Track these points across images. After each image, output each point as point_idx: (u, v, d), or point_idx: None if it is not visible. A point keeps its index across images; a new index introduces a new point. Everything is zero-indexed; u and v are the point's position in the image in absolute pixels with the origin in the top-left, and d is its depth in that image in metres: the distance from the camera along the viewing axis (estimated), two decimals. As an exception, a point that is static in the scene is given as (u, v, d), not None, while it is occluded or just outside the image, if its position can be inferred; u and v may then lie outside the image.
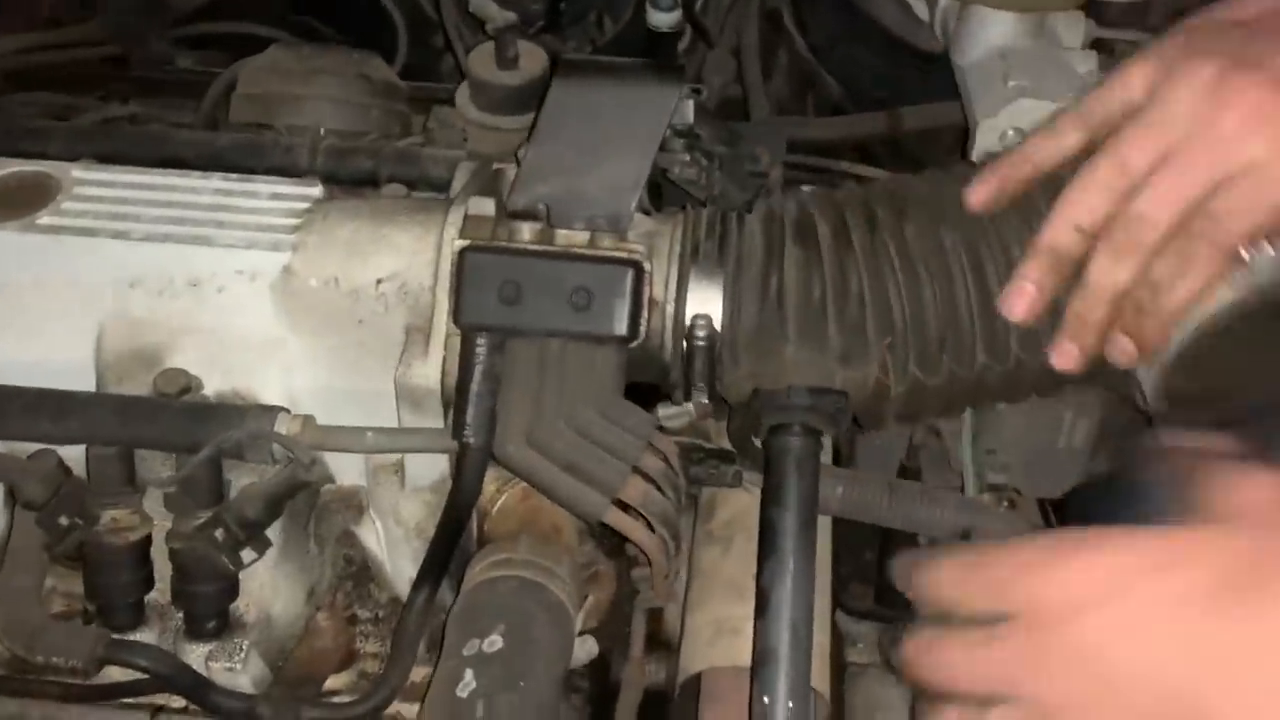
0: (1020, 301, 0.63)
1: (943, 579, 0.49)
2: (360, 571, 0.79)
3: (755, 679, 0.61)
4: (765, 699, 0.60)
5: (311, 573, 0.75)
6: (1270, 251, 0.58)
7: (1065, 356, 0.63)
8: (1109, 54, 0.93)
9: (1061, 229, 0.61)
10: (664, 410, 0.77)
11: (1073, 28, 0.92)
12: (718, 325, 0.67)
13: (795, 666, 0.60)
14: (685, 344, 0.67)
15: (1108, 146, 0.60)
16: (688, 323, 0.66)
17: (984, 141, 0.84)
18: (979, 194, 0.66)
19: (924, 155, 1.12)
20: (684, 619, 0.77)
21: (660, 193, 0.75)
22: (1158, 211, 0.58)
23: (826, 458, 0.80)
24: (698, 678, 0.72)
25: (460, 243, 0.64)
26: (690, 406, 0.76)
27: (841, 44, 1.22)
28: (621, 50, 1.26)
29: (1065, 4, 0.92)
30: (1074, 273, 0.62)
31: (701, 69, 1.24)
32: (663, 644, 0.84)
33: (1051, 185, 0.65)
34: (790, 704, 0.59)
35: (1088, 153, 0.61)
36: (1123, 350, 0.62)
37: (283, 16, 1.28)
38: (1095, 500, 0.61)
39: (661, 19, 1.15)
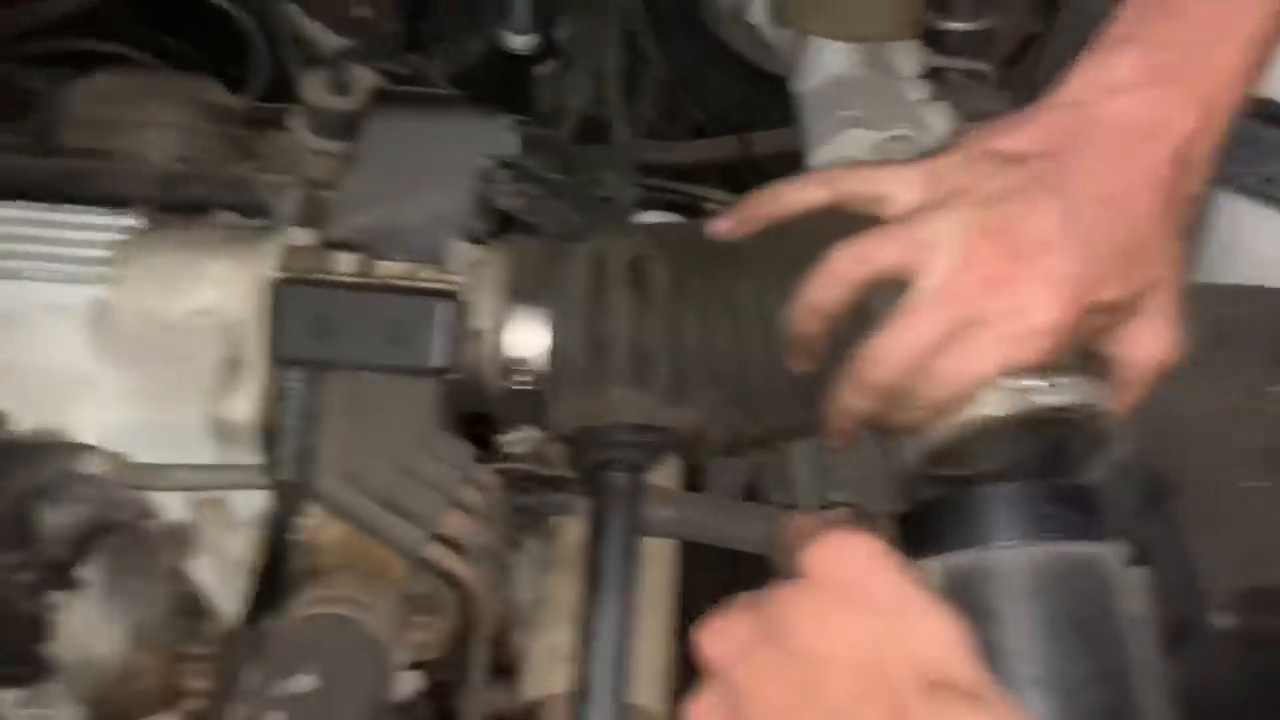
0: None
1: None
2: (191, 607, 0.77)
3: (575, 712, 0.61)
4: (584, 730, 0.60)
5: (135, 611, 0.73)
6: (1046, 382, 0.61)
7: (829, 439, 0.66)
8: (943, 84, 0.96)
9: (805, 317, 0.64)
10: (509, 435, 0.77)
11: (908, 57, 0.94)
12: (543, 360, 0.67)
13: (614, 701, 0.61)
14: (507, 390, 0.66)
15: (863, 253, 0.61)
16: (511, 361, 0.66)
17: (817, 168, 0.85)
18: (723, 225, 0.67)
19: (782, 179, 1.14)
20: (528, 645, 0.78)
21: (513, 223, 0.75)
22: (888, 359, 0.60)
23: (675, 480, 0.82)
24: (537, 706, 0.73)
25: (274, 275, 0.64)
26: (535, 432, 0.76)
27: (699, 68, 1.24)
28: (484, 72, 1.26)
29: (901, 34, 0.95)
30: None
31: (563, 91, 1.25)
32: (508, 672, 0.84)
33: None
34: (607, 735, 0.60)
35: (829, 210, 0.64)
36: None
37: (139, 35, 1.24)
38: (927, 518, 0.64)
39: (518, 41, 1.15)
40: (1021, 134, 0.61)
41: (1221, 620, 0.63)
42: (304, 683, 0.58)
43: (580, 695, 0.61)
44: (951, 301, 0.58)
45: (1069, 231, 0.58)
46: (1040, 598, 0.57)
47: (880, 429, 0.66)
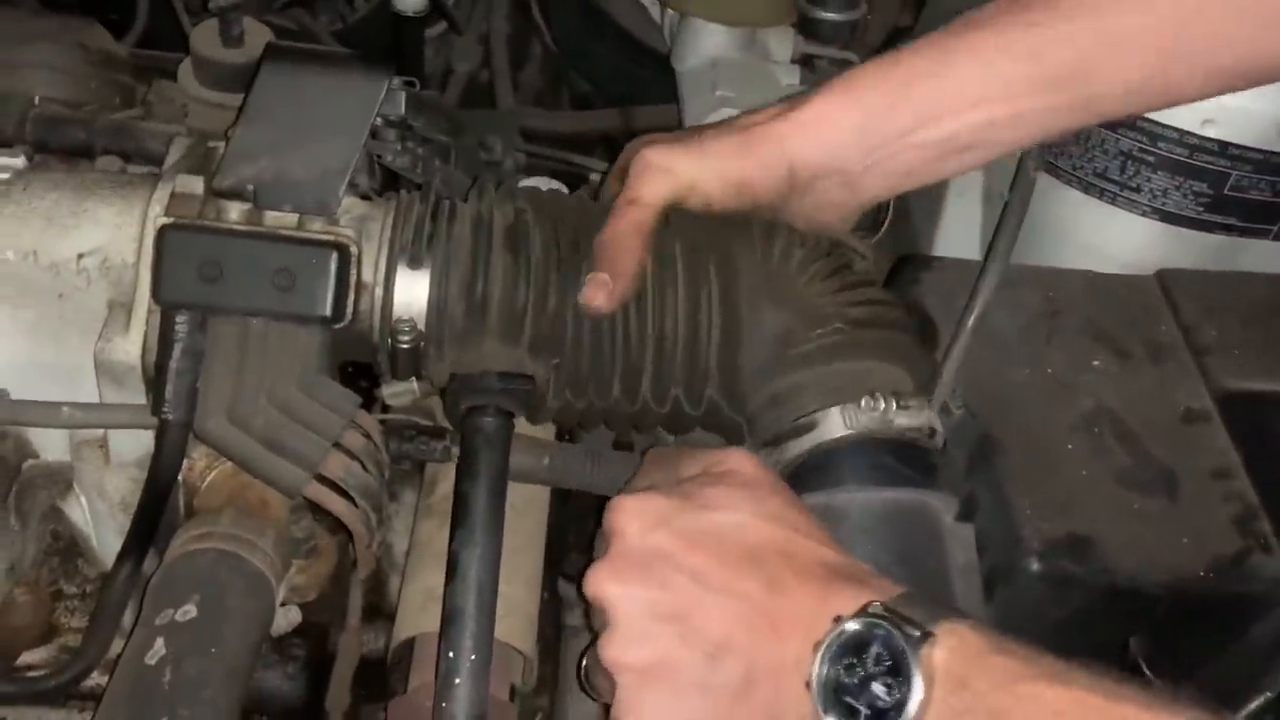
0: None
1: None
2: (67, 547, 0.78)
3: (443, 637, 0.64)
4: (451, 654, 0.64)
5: (11, 548, 0.74)
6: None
7: None
8: (814, 70, 1.01)
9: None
10: (388, 388, 0.80)
11: (782, 42, 1.00)
12: (422, 316, 0.69)
13: (480, 624, 0.65)
14: (390, 343, 0.69)
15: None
16: (395, 324, 0.68)
17: (692, 144, 0.90)
18: (599, 300, 0.69)
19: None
20: (400, 590, 0.81)
21: (397, 180, 0.77)
22: None
23: (550, 433, 0.85)
24: (410, 642, 0.76)
25: (163, 220, 0.65)
26: (414, 385, 0.79)
27: (583, 40, 1.27)
28: (372, 31, 1.27)
29: (775, 20, 1.00)
30: None
31: (451, 55, 1.27)
32: (382, 615, 0.87)
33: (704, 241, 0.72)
34: (473, 657, 0.63)
35: None
36: None
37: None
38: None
39: (407, 3, 1.17)
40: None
41: (1035, 565, 0.70)
42: (186, 612, 0.61)
43: (447, 622, 0.64)
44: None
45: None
46: (876, 534, 0.64)
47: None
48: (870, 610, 0.54)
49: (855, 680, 0.53)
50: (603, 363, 0.71)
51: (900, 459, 0.68)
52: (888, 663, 0.53)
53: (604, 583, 0.59)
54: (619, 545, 0.59)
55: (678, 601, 0.57)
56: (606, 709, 0.60)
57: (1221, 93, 0.73)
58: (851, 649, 0.54)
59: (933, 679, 0.52)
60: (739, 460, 0.63)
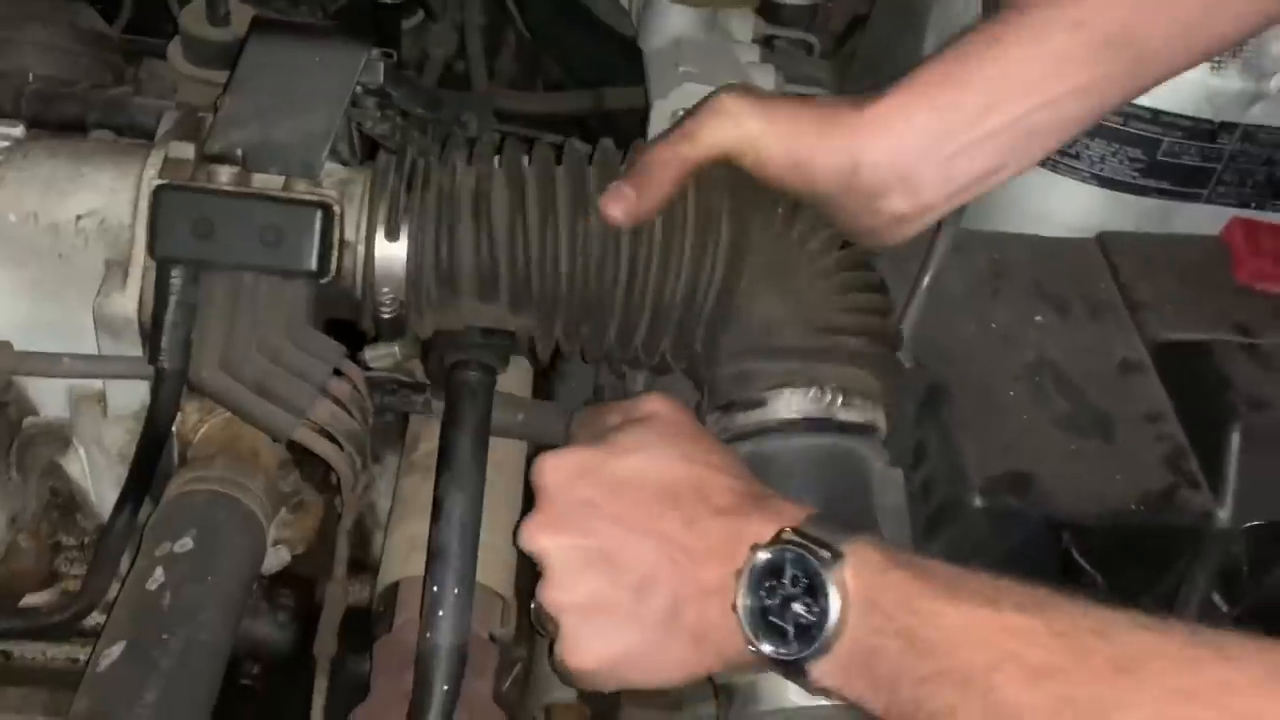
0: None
1: None
2: (65, 502, 0.82)
3: (427, 572, 0.69)
4: (435, 588, 0.68)
5: (13, 500, 0.78)
6: None
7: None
8: (773, 50, 1.07)
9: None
10: (371, 351, 0.84)
11: (743, 24, 1.05)
12: (402, 286, 0.73)
13: (463, 562, 0.69)
14: (373, 310, 0.73)
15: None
16: (376, 290, 0.72)
17: (657, 120, 0.95)
18: (616, 213, 0.71)
19: (630, 131, 1.23)
20: (384, 541, 0.85)
21: (375, 149, 0.81)
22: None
23: (527, 391, 0.90)
24: (394, 586, 0.80)
25: (158, 181, 0.69)
26: (395, 348, 0.84)
27: (556, 27, 1.32)
28: (352, 19, 1.31)
29: (737, 3, 1.05)
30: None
31: (427, 41, 1.31)
32: (368, 568, 0.92)
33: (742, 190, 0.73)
34: (456, 591, 0.68)
35: None
36: None
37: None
38: None
39: (385, -9, 1.21)
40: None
41: (978, 500, 0.75)
42: (183, 544, 0.65)
43: (432, 558, 0.69)
44: None
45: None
46: (802, 476, 0.68)
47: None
48: (783, 537, 0.57)
49: (777, 601, 0.57)
50: (601, 316, 0.74)
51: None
52: (805, 583, 0.56)
53: (535, 535, 0.63)
54: (545, 499, 0.63)
55: (603, 545, 0.61)
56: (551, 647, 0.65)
57: (1262, 28, 0.72)
58: (769, 573, 0.57)
59: (847, 595, 0.55)
60: (656, 404, 0.67)
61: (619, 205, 0.70)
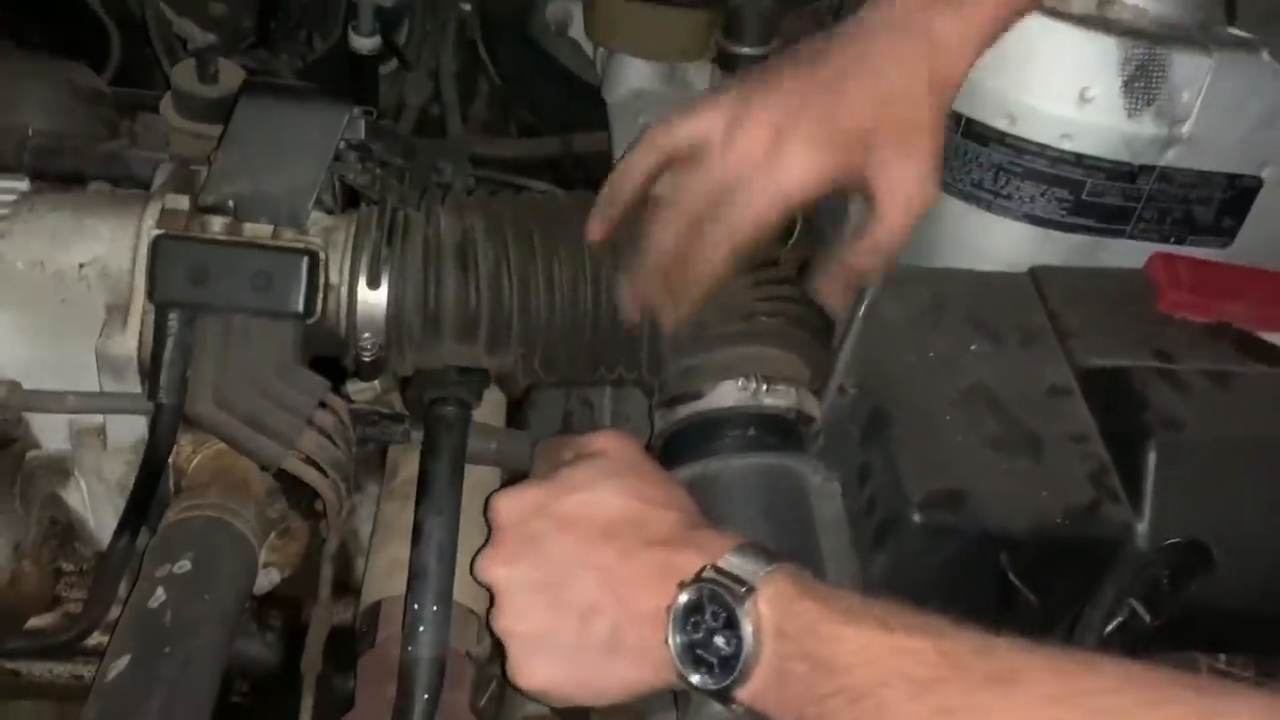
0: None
1: None
2: (64, 530, 0.87)
3: (409, 590, 0.74)
4: (415, 605, 0.73)
5: (16, 529, 0.83)
6: None
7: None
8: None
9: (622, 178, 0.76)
10: (353, 385, 0.90)
11: (701, 75, 1.11)
12: (382, 330, 0.79)
13: (441, 580, 0.74)
14: (354, 354, 0.79)
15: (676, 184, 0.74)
16: (358, 335, 0.78)
17: (620, 166, 1.01)
18: (596, 230, 0.79)
19: (597, 173, 1.29)
20: (366, 564, 0.90)
21: (357, 199, 0.87)
22: (694, 195, 0.73)
23: (500, 420, 0.96)
24: (376, 605, 0.85)
25: (156, 231, 0.75)
26: (375, 383, 0.90)
27: (526, 75, 1.38)
28: (330, 69, 1.37)
29: (693, 55, 1.12)
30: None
31: (403, 89, 1.38)
32: (352, 591, 0.97)
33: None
34: (435, 607, 0.73)
35: (659, 169, 0.76)
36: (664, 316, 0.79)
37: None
38: (667, 443, 0.82)
39: (362, 43, 1.27)
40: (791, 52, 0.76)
41: (917, 516, 0.80)
42: (181, 565, 0.70)
43: (413, 578, 0.74)
44: (728, 157, 0.71)
45: (819, 93, 0.71)
46: (744, 495, 0.75)
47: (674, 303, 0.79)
48: (703, 575, 0.62)
49: (701, 635, 0.62)
50: (574, 343, 0.82)
51: (764, 429, 0.79)
52: (723, 617, 0.61)
53: (488, 566, 0.69)
54: (498, 533, 0.69)
55: (549, 577, 0.67)
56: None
57: None
58: (693, 610, 0.62)
59: (760, 625, 0.60)
60: (606, 442, 0.73)
61: (596, 227, 0.78)
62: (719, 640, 0.61)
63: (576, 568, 0.66)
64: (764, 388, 0.80)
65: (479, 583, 0.70)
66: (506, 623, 0.68)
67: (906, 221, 0.74)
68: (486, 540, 0.70)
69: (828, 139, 0.71)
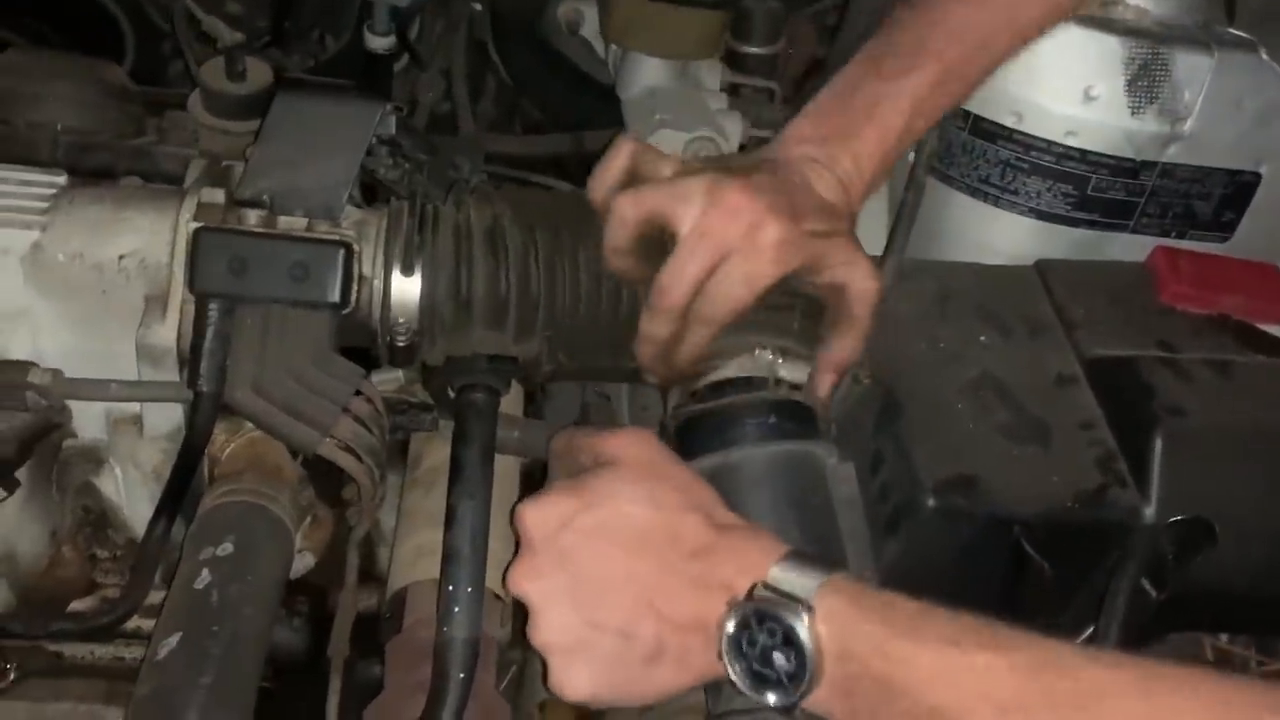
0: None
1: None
2: (99, 518, 0.89)
3: (443, 574, 0.76)
4: (450, 588, 0.75)
5: (53, 516, 0.85)
6: None
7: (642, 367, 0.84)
8: (739, 97, 1.16)
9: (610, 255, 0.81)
10: (378, 376, 0.92)
11: (712, 73, 1.14)
12: (416, 316, 0.81)
13: (475, 563, 0.76)
14: (389, 339, 0.81)
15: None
16: (391, 321, 0.80)
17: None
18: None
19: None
20: (392, 552, 0.92)
21: (375, 192, 0.90)
22: (674, 287, 0.76)
23: (518, 410, 0.98)
24: (403, 592, 0.87)
25: (195, 224, 0.77)
26: (400, 374, 0.92)
27: (536, 74, 1.41)
28: (342, 67, 1.39)
29: (706, 54, 1.14)
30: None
31: (415, 88, 1.40)
32: (375, 579, 0.99)
33: None
34: (469, 590, 0.75)
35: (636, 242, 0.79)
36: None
37: (13, 20, 1.32)
38: (686, 434, 0.84)
39: (378, 42, 1.29)
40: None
41: (931, 501, 0.82)
42: (224, 548, 0.72)
43: (446, 560, 0.76)
44: (708, 237, 0.75)
45: (779, 193, 0.76)
46: (767, 482, 0.77)
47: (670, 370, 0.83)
48: (755, 594, 0.63)
49: (757, 653, 0.62)
50: (595, 335, 0.84)
51: (782, 416, 0.81)
52: (780, 635, 0.61)
53: (521, 581, 0.69)
54: (528, 547, 0.69)
55: (585, 591, 0.66)
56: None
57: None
58: (746, 629, 0.62)
59: (820, 645, 0.60)
60: (624, 446, 0.72)
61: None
62: (778, 657, 0.61)
63: (612, 581, 0.66)
64: (779, 359, 0.82)
65: (512, 594, 0.70)
66: (545, 637, 0.68)
67: (869, 314, 0.80)
68: (516, 552, 0.71)
69: (793, 234, 0.76)
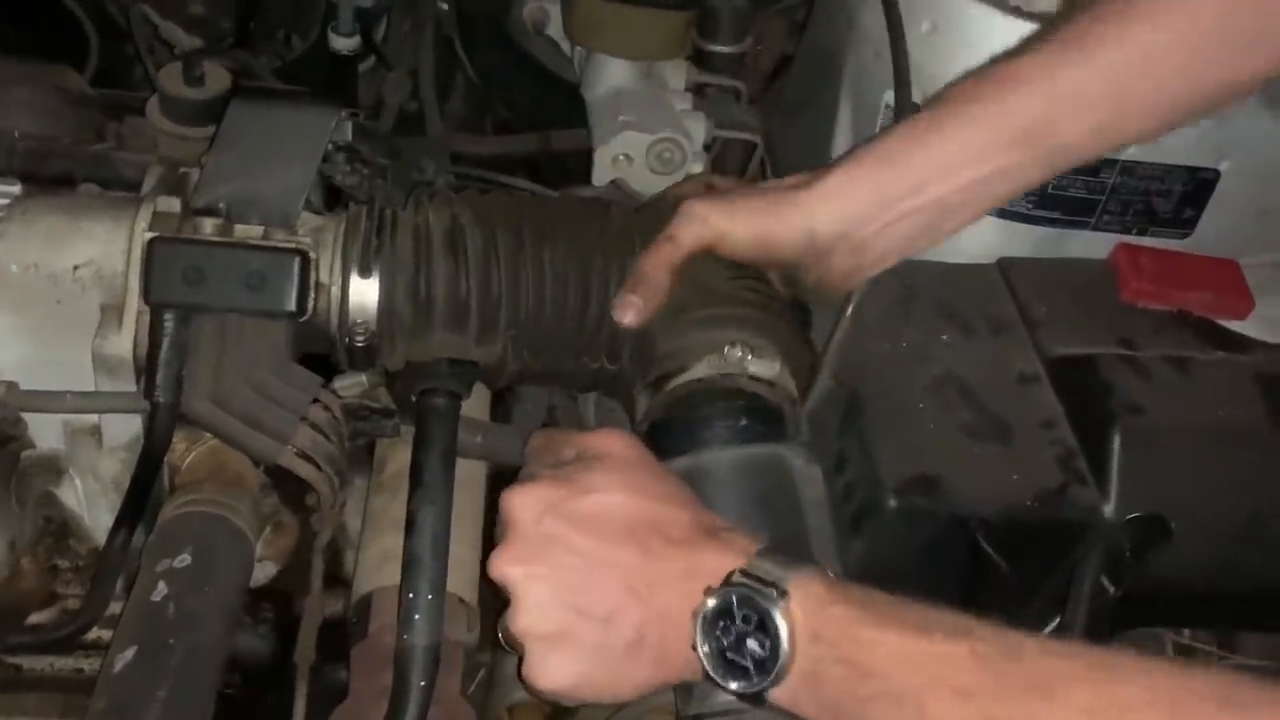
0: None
1: None
2: (59, 528, 0.88)
3: (403, 579, 0.76)
4: (410, 594, 0.75)
5: (12, 527, 0.84)
6: None
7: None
8: (705, 97, 1.15)
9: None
10: (340, 381, 0.92)
11: (677, 73, 1.13)
12: (374, 316, 0.81)
13: (435, 569, 0.76)
14: (347, 342, 0.80)
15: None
16: (350, 325, 0.80)
17: (600, 165, 1.04)
18: (629, 317, 0.83)
19: (576, 170, 1.32)
20: (357, 556, 0.92)
21: (339, 197, 0.89)
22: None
23: (485, 413, 0.98)
24: (368, 597, 0.87)
25: (149, 234, 0.77)
26: (363, 378, 0.91)
27: (503, 73, 1.40)
28: (308, 68, 1.39)
29: (671, 54, 1.14)
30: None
31: (382, 88, 1.39)
32: (341, 583, 0.98)
33: (648, 218, 0.85)
34: (429, 596, 0.75)
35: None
36: None
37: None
38: (656, 436, 0.85)
39: (342, 43, 1.29)
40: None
41: (892, 500, 0.82)
42: (182, 560, 0.72)
43: (407, 567, 0.76)
44: None
45: None
46: (736, 485, 0.77)
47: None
48: (732, 580, 0.64)
49: (732, 639, 0.63)
50: (559, 337, 0.84)
51: (752, 419, 0.82)
52: (755, 619, 0.62)
53: (505, 565, 0.69)
54: (514, 533, 0.69)
55: (569, 578, 0.67)
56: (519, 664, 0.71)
57: (1175, 127, 0.84)
58: (720, 615, 0.63)
59: (794, 628, 0.61)
60: (610, 442, 0.73)
61: (630, 311, 0.82)
62: (752, 643, 0.62)
63: (597, 568, 0.67)
64: (748, 356, 0.82)
65: (494, 581, 0.70)
66: (525, 623, 0.67)
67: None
68: (500, 538, 0.71)
69: None
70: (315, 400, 0.79)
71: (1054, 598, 0.86)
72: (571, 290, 0.84)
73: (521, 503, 0.69)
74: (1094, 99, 0.79)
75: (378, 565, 0.88)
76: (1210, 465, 0.87)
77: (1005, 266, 0.99)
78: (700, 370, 0.82)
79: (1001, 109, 0.79)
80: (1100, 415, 0.87)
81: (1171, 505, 0.86)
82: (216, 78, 0.96)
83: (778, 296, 0.89)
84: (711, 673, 0.64)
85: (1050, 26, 0.82)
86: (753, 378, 0.83)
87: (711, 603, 0.64)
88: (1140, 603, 0.87)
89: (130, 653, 0.66)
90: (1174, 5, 0.77)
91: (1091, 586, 0.84)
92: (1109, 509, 0.85)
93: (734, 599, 0.63)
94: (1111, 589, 0.84)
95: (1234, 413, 0.90)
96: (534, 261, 0.83)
